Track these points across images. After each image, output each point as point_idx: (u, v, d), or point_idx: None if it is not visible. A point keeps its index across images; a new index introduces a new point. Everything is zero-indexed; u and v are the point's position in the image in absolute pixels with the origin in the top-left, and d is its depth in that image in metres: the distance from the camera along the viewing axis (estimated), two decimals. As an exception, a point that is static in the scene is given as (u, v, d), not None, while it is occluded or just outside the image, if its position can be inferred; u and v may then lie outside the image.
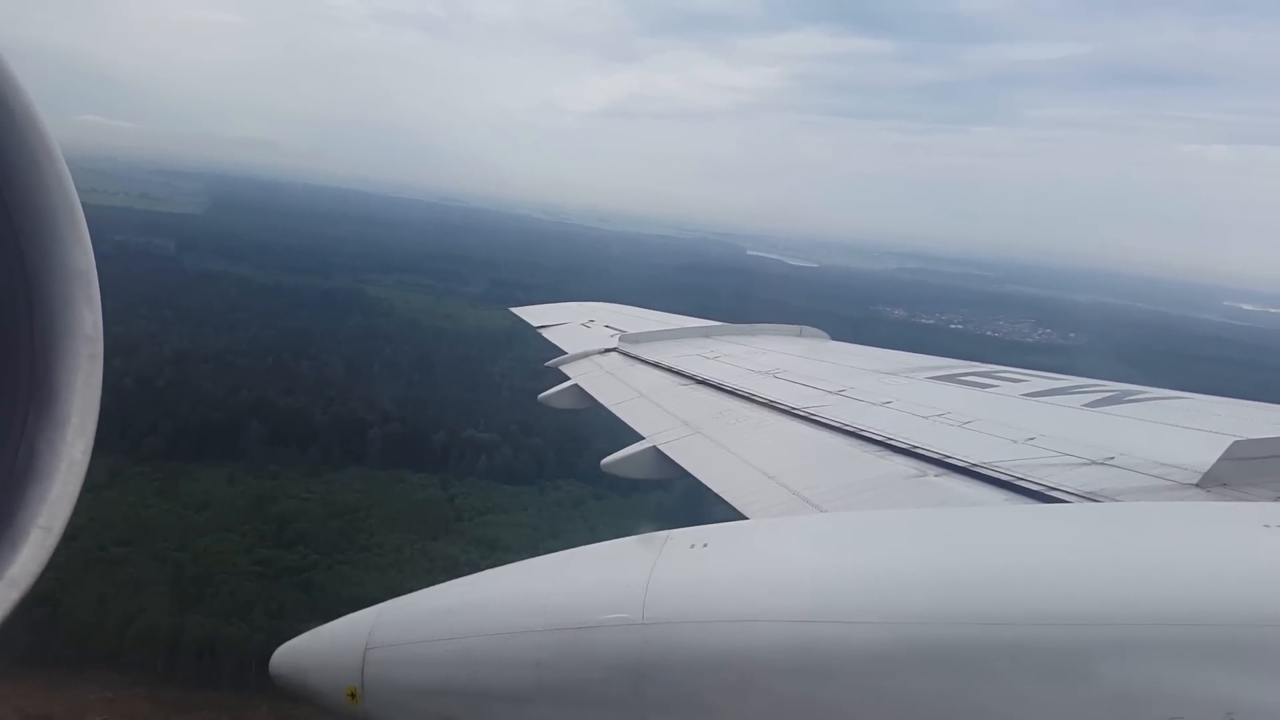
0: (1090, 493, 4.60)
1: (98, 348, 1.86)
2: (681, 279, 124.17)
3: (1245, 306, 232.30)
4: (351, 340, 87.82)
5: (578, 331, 12.55)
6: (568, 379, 10.42)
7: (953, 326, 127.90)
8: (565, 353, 11.44)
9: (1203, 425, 5.91)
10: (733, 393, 8.31)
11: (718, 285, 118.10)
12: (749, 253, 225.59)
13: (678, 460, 6.93)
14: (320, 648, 3.63)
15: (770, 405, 7.65)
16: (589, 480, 60.91)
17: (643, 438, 7.64)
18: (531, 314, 14.18)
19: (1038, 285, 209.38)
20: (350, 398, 69.32)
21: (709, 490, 6.01)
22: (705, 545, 3.31)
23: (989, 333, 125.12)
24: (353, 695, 3.31)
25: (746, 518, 5.20)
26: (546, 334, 12.64)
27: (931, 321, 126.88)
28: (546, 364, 11.11)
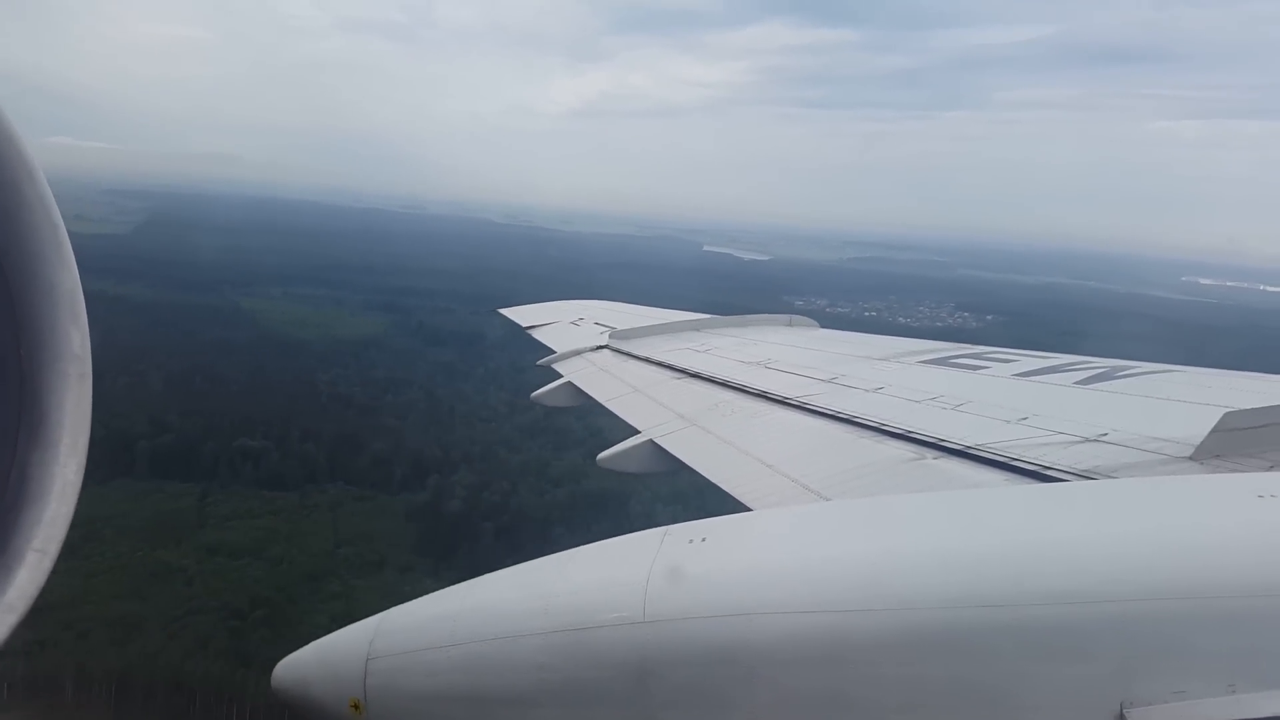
0: (1085, 470, 4.57)
1: (86, 367, 1.84)
2: (616, 277, 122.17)
3: (1203, 281, 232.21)
4: (187, 355, 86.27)
5: (567, 330, 12.37)
6: (560, 376, 10.28)
7: (867, 314, 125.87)
8: (555, 352, 11.29)
9: (1194, 398, 5.92)
10: (725, 384, 8.23)
11: (655, 283, 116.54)
12: (705, 249, 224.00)
13: (674, 453, 6.86)
14: (321, 660, 3.55)
15: (764, 396, 7.59)
16: (360, 484, 63.02)
17: (638, 431, 7.56)
18: (520, 314, 13.99)
19: (992, 269, 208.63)
20: (138, 411, 66.98)
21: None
22: (704, 540, 3.26)
23: (901, 319, 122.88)
24: (356, 706, 3.26)
25: (748, 508, 5.13)
26: (536, 334, 12.47)
27: (847, 310, 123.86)
28: (539, 362, 11.02)
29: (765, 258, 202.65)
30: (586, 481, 53.84)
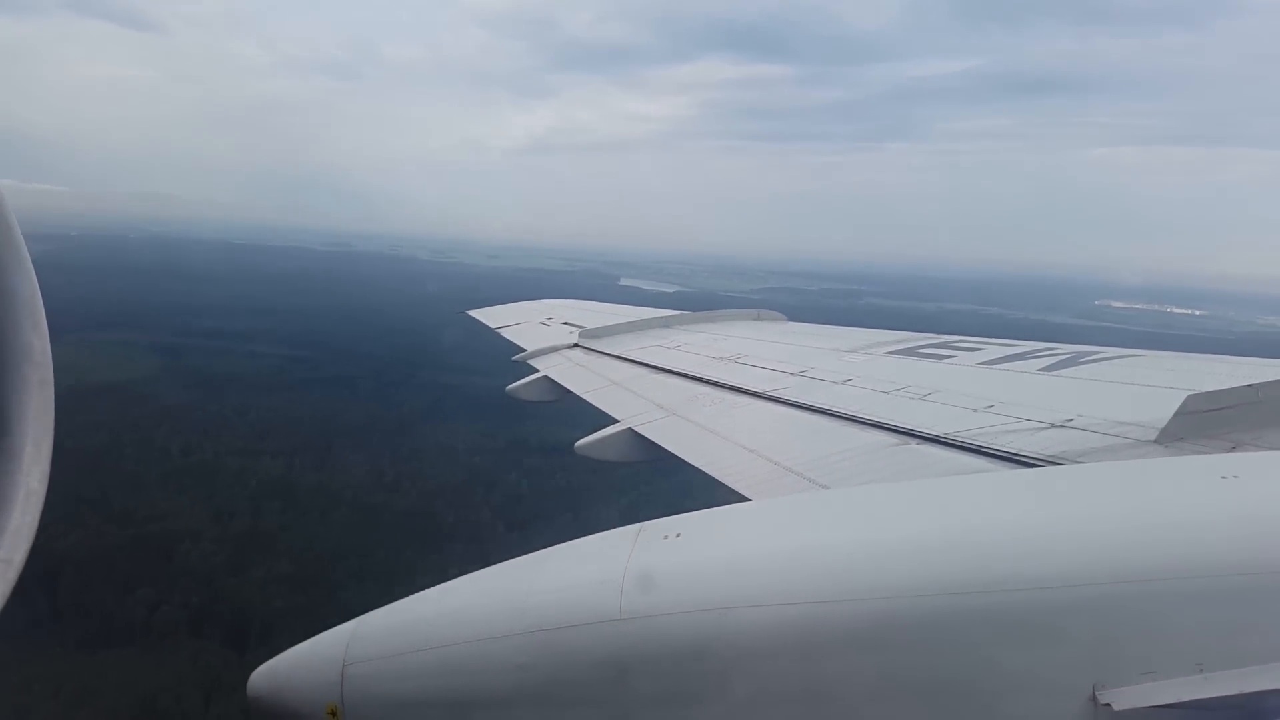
0: (1052, 456, 4.59)
1: (48, 374, 1.82)
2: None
3: (1115, 304, 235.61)
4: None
5: (536, 330, 12.27)
6: (535, 372, 10.20)
7: None
8: (526, 350, 11.18)
9: (1156, 381, 6.04)
10: (697, 379, 8.24)
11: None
12: (620, 282, 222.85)
13: (655, 439, 6.88)
14: (297, 667, 3.47)
15: (737, 390, 7.60)
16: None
17: (616, 421, 7.57)
18: (488, 315, 13.96)
19: (900, 297, 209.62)
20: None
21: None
22: (678, 535, 3.28)
23: None
24: (333, 713, 3.22)
25: (731, 490, 5.19)
26: (505, 334, 12.40)
27: None
28: (515, 358, 10.93)
29: (672, 290, 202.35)
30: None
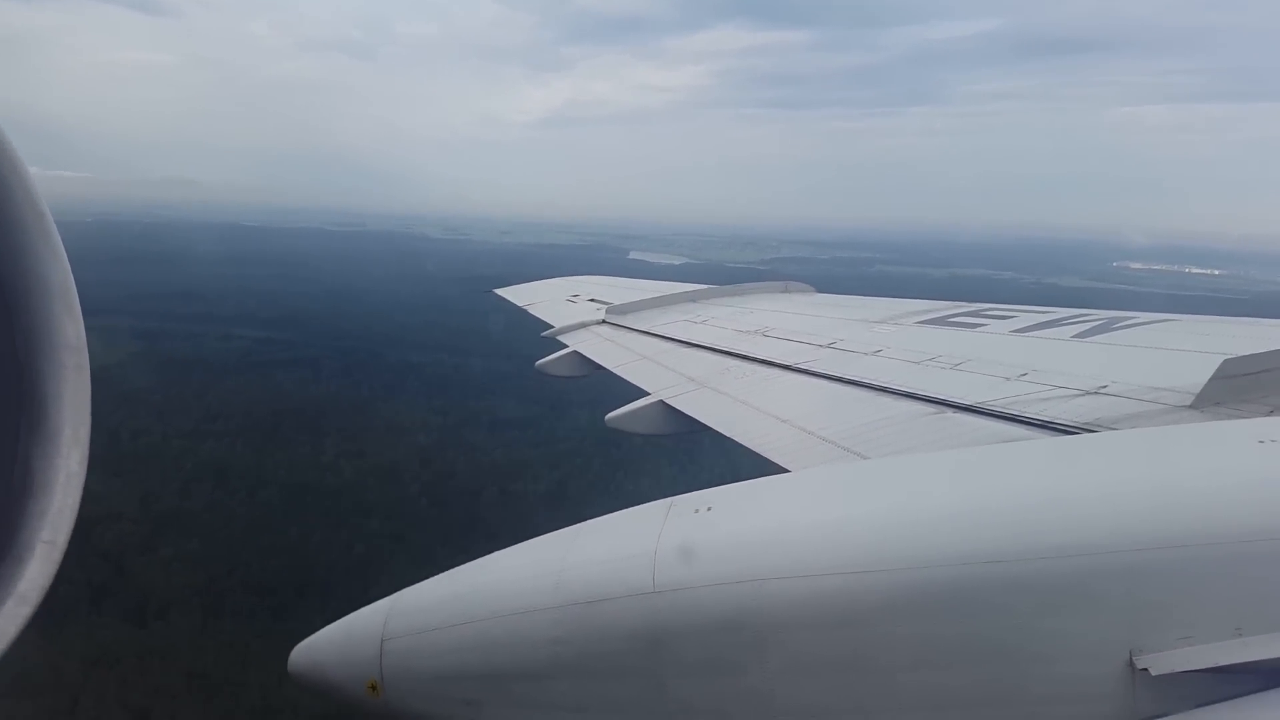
0: (1087, 423, 4.54)
1: (83, 358, 1.85)
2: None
3: (1133, 266, 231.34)
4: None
5: (563, 306, 12.21)
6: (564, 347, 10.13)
7: None
8: (554, 327, 11.12)
9: (1192, 346, 5.94)
10: (726, 353, 8.12)
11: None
12: (630, 255, 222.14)
13: (687, 411, 6.86)
14: (337, 643, 3.52)
15: (765, 363, 7.50)
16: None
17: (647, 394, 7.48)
18: (515, 293, 14.06)
19: (913, 264, 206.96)
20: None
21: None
22: (709, 509, 3.28)
23: None
24: (373, 687, 3.26)
25: (765, 460, 5.18)
26: (532, 311, 12.34)
27: None
28: (544, 334, 10.87)
29: (679, 262, 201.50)
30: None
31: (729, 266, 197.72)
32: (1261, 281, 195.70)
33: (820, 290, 11.98)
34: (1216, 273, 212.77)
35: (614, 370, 8.80)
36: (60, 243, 1.85)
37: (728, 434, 6.00)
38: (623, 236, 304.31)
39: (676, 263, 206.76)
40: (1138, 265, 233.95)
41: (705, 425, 6.51)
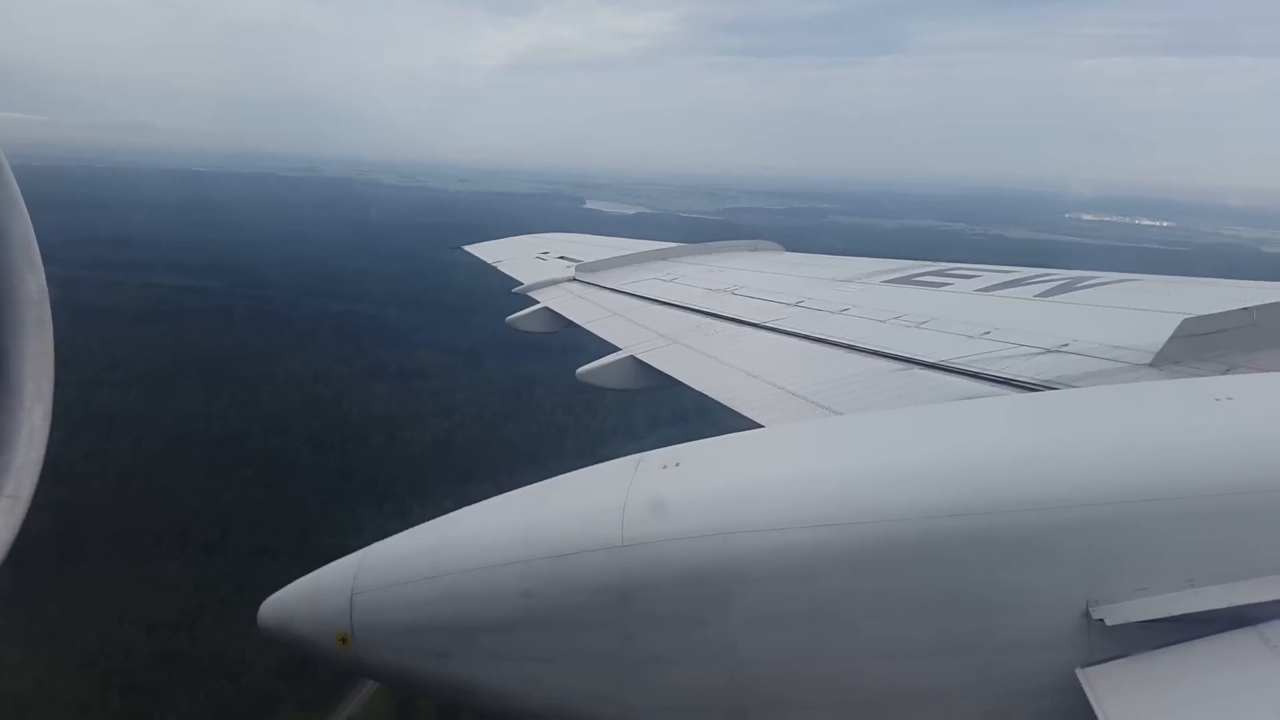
0: (1048, 381, 4.63)
1: (45, 312, 1.84)
2: (422, 237, 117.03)
3: (1085, 217, 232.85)
4: None
5: (533, 264, 12.18)
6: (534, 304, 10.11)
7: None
8: (523, 284, 11.11)
9: (1152, 305, 6.02)
10: (695, 312, 8.18)
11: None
12: (586, 205, 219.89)
13: (658, 366, 6.92)
14: (306, 596, 3.52)
15: (734, 321, 7.56)
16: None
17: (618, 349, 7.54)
18: (484, 250, 13.90)
19: (865, 214, 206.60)
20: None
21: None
22: (677, 464, 3.33)
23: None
24: (343, 640, 3.27)
25: (737, 414, 5.27)
26: (501, 268, 12.30)
27: None
28: (514, 290, 10.85)
29: (633, 212, 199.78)
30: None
31: (682, 217, 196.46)
32: (1206, 233, 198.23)
33: (769, 241, 12.10)
34: (1164, 224, 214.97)
35: (585, 326, 8.77)
36: (20, 196, 1.82)
37: (699, 389, 6.06)
38: (581, 185, 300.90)
39: (630, 212, 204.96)
40: (1089, 217, 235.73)
41: (677, 380, 6.57)
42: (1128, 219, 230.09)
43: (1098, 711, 2.42)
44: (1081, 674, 2.55)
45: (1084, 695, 2.52)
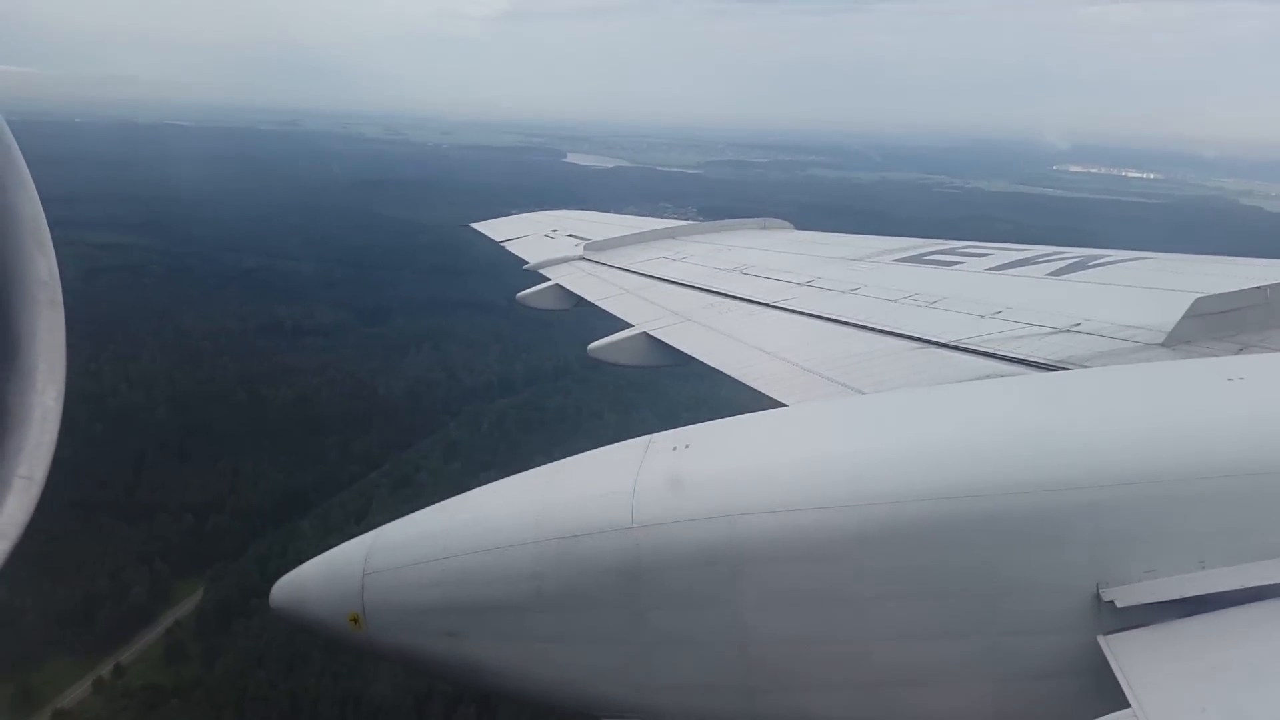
0: (1059, 361, 4.58)
1: (56, 293, 1.85)
2: (377, 194, 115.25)
3: (1073, 169, 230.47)
4: None
5: (541, 243, 12.02)
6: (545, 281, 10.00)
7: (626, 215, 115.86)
8: (530, 262, 11.03)
9: (1165, 284, 5.95)
10: (703, 291, 8.09)
11: (428, 196, 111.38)
12: (566, 158, 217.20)
13: (671, 343, 6.87)
14: (319, 577, 3.54)
15: (744, 301, 7.47)
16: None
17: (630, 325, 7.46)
18: (492, 228, 13.73)
19: (848, 168, 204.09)
20: None
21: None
22: (687, 446, 3.33)
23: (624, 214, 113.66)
24: (355, 620, 3.30)
25: (752, 390, 5.26)
26: (510, 247, 12.11)
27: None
28: (525, 267, 10.75)
29: (610, 165, 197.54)
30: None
31: (658, 171, 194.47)
32: (1192, 185, 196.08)
33: (779, 220, 11.94)
34: (1151, 176, 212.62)
35: (597, 303, 8.68)
36: (29, 177, 1.81)
37: (713, 364, 6.01)
38: (567, 138, 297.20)
39: (608, 165, 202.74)
40: (1076, 168, 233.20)
41: (690, 357, 6.53)
42: (1115, 170, 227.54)
43: (1121, 679, 2.38)
44: (1104, 641, 2.53)
45: (1093, 678, 2.51)
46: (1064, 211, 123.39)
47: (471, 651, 3.27)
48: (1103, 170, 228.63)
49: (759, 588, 2.86)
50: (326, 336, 60.60)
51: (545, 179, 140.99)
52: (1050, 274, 6.85)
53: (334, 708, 32.59)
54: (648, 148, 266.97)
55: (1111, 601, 2.55)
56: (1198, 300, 4.65)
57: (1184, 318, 4.64)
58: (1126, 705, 2.29)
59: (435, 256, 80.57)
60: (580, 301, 9.26)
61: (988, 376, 4.60)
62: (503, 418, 50.29)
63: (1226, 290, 4.75)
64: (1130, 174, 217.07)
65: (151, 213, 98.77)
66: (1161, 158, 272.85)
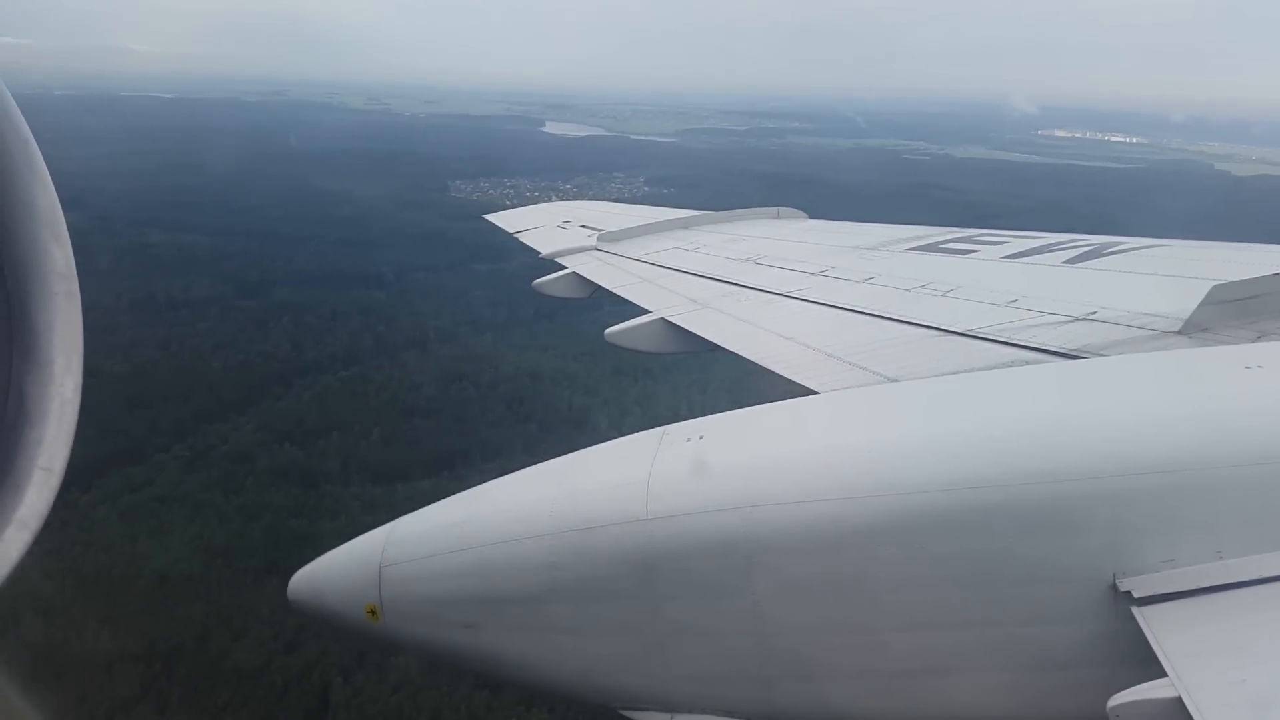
0: (1075, 349, 4.56)
1: (73, 285, 1.84)
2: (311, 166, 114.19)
3: (1058, 134, 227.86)
4: None
5: (554, 234, 11.95)
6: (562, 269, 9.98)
7: (562, 186, 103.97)
8: (542, 253, 11.02)
9: (1182, 272, 5.88)
10: (718, 281, 8.07)
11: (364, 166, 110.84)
12: (545, 127, 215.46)
13: (690, 329, 6.86)
14: (336, 569, 3.57)
15: (758, 291, 7.46)
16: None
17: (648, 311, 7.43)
18: (505, 219, 13.59)
19: (833, 135, 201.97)
20: None
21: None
22: (701, 437, 3.35)
23: (562, 185, 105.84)
24: (372, 612, 3.32)
25: (772, 374, 5.26)
26: (523, 238, 12.02)
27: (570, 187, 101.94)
28: (542, 255, 10.73)
29: (584, 134, 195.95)
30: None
31: (632, 139, 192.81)
32: (1174, 150, 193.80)
33: (792, 208, 11.86)
34: (1133, 140, 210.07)
35: (615, 290, 8.68)
36: (45, 167, 1.81)
37: (732, 349, 6.02)
38: (552, 106, 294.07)
39: (581, 134, 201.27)
40: (1062, 133, 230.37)
41: (709, 343, 6.55)
42: (1101, 135, 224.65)
43: (1156, 649, 2.38)
44: (1139, 612, 2.52)
45: (1111, 668, 2.52)
46: (1031, 176, 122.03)
47: (489, 643, 3.31)
48: (1091, 135, 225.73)
49: (776, 579, 2.88)
50: (194, 309, 60.24)
51: (508, 148, 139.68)
52: (1066, 262, 6.82)
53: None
54: (632, 115, 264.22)
55: (1129, 592, 2.55)
56: (1215, 287, 4.58)
57: (1201, 305, 4.57)
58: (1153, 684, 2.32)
59: (345, 230, 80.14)
60: (596, 289, 9.27)
61: (1004, 365, 4.60)
62: (327, 390, 49.80)
63: (1244, 277, 4.69)
64: (1114, 138, 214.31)
65: (79, 188, 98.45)
66: (1153, 122, 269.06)
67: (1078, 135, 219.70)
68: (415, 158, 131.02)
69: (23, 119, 1.79)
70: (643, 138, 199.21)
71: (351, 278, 68.59)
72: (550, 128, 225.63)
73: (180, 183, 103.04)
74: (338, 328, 59.70)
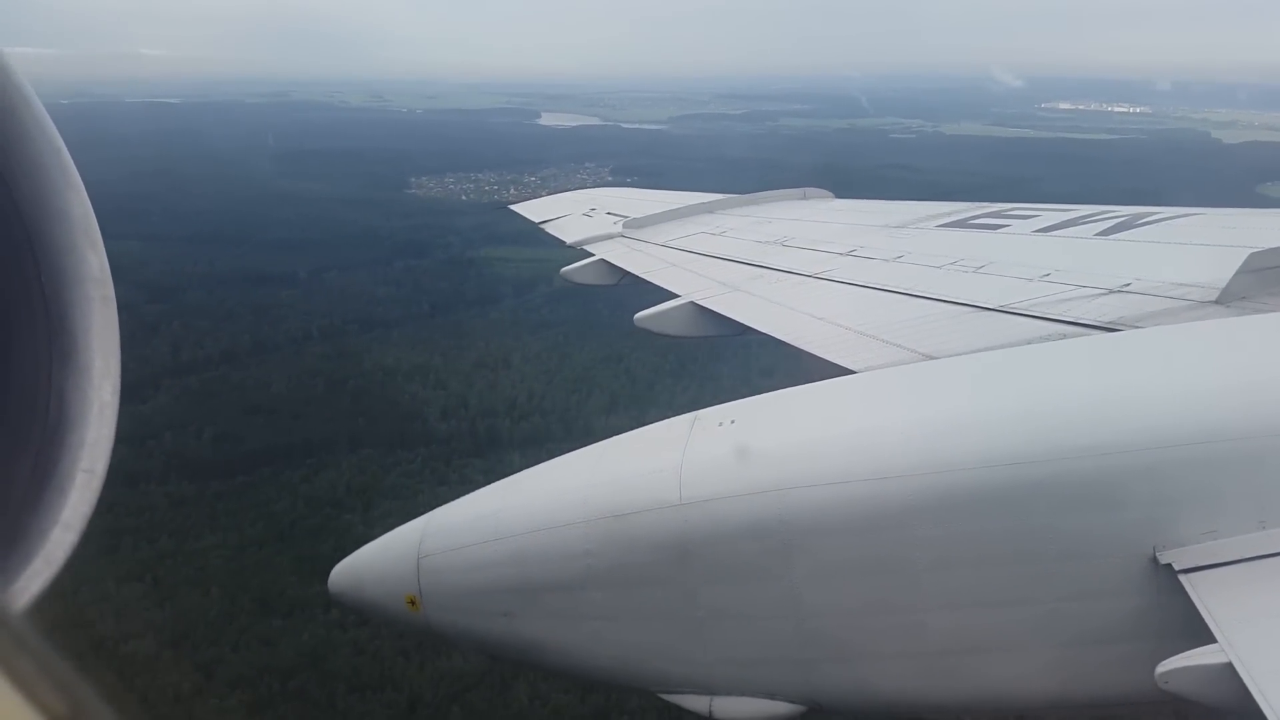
0: (1110, 322, 4.49)
1: (108, 289, 1.87)
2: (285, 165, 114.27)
3: (1062, 106, 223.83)
4: None
5: (580, 222, 11.94)
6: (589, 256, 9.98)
7: (530, 179, 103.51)
8: (568, 242, 11.02)
9: (1217, 240, 5.81)
10: (747, 265, 8.00)
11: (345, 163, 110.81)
12: (540, 120, 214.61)
13: (721, 311, 6.83)
14: (375, 561, 3.64)
15: (787, 274, 7.43)
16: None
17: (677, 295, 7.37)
18: (530, 209, 13.54)
19: (827, 116, 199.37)
20: None
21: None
22: (732, 422, 3.38)
23: (530, 177, 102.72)
24: (412, 602, 3.40)
25: (806, 353, 5.25)
26: (548, 228, 11.99)
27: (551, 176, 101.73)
28: (570, 243, 10.75)
29: (574, 124, 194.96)
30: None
31: (622, 127, 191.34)
32: (1177, 119, 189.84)
33: (818, 189, 11.74)
34: (1136, 110, 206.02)
35: (644, 276, 8.66)
36: (77, 174, 1.84)
37: (765, 331, 6.00)
38: (552, 97, 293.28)
39: (572, 124, 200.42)
40: (1066, 105, 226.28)
41: (740, 325, 6.53)
42: (1104, 106, 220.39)
43: (1205, 615, 2.39)
44: (1186, 579, 2.52)
45: (1152, 641, 2.53)
46: (1022, 152, 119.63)
47: (527, 631, 3.33)
48: (1094, 106, 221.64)
49: (813, 560, 2.88)
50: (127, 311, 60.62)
51: (516, 142, 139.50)
52: (1099, 234, 6.72)
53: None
54: (630, 104, 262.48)
55: (1169, 564, 2.53)
56: (1252, 255, 4.49)
57: (1238, 273, 4.48)
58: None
59: (294, 231, 79.79)
60: (624, 276, 9.20)
61: (1040, 340, 4.52)
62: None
63: None
64: (1117, 109, 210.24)
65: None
66: (1156, 91, 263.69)
67: (1081, 107, 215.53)
68: (398, 155, 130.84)
69: (55, 129, 1.82)
70: (632, 125, 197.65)
71: (271, 278, 68.38)
72: (545, 119, 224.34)
73: (140, 189, 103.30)
74: (258, 320, 59.56)
